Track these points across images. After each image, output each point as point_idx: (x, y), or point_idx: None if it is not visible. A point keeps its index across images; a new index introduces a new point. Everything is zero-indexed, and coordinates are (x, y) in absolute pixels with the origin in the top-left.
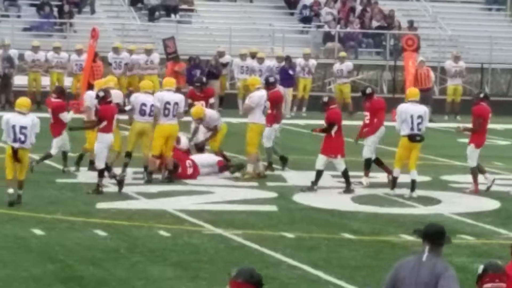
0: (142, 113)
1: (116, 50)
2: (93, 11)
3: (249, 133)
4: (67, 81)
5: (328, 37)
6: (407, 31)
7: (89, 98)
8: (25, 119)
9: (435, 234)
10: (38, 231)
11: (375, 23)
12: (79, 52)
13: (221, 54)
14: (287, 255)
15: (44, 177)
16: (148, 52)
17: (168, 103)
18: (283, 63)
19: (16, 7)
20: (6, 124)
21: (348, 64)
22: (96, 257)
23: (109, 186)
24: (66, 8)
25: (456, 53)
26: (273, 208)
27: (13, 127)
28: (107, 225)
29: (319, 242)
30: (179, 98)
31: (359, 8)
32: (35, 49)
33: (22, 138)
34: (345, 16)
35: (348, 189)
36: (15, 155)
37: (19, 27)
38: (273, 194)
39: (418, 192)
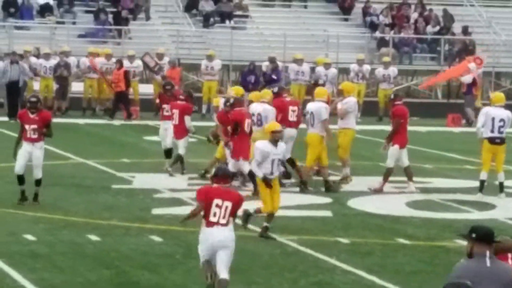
0: None
1: (210, 58)
2: (148, 18)
3: (342, 138)
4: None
5: (382, 42)
6: (461, 36)
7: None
8: None
9: (490, 235)
10: (93, 237)
11: (429, 29)
12: (131, 58)
13: (272, 59)
14: (342, 261)
15: (99, 183)
16: (210, 58)
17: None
18: (330, 69)
19: (72, 13)
20: None
21: (394, 70)
22: (151, 263)
23: (164, 191)
24: (123, 14)
25: None
26: (327, 213)
27: None
28: (162, 231)
29: (373, 247)
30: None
31: (414, 14)
32: (92, 56)
33: None
34: (400, 21)
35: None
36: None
37: (75, 34)
38: (327, 200)
39: (473, 197)
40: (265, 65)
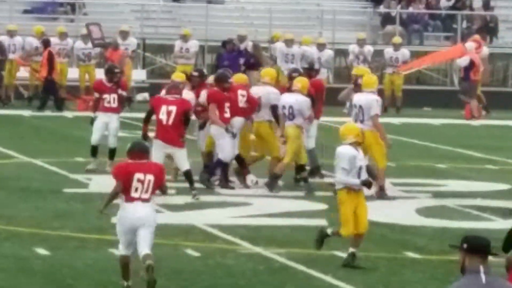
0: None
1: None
2: None
3: None
4: (72, 73)
5: (387, 19)
6: (481, 11)
7: None
8: None
9: (485, 246)
10: (42, 251)
11: (444, 3)
12: (85, 38)
13: (241, 39)
14: (340, 278)
15: (48, 186)
16: (184, 38)
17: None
18: (325, 50)
19: None
20: None
21: (405, 52)
22: (111, 281)
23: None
24: None
25: None
26: (322, 222)
27: None
28: None
29: (377, 262)
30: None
31: None
32: (39, 35)
33: None
34: None
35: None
36: None
37: (19, 9)
38: (322, 206)
39: (495, 203)
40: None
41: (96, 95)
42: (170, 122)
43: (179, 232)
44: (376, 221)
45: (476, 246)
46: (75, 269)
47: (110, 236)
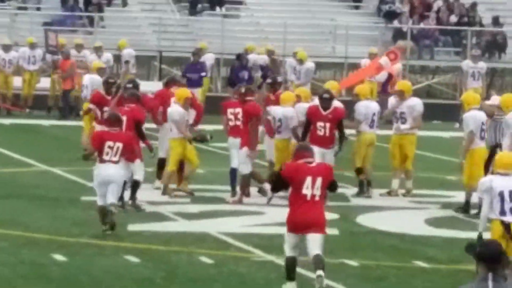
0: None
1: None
2: (125, 3)
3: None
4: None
5: (399, 34)
6: (491, 27)
7: None
8: None
9: (493, 255)
10: (59, 257)
11: (453, 18)
12: (98, 50)
13: (247, 52)
14: (350, 286)
15: (66, 194)
16: (199, 52)
17: None
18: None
19: None
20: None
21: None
22: None
23: (142, 205)
24: None
25: None
26: (333, 231)
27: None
28: (140, 251)
29: (387, 271)
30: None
31: (436, 3)
32: (62, 47)
33: None
34: (420, 10)
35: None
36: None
37: (39, 21)
38: (333, 216)
39: None
40: (261, 59)
41: (91, 106)
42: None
43: (194, 240)
44: (387, 231)
45: (485, 254)
46: (92, 276)
47: (127, 243)
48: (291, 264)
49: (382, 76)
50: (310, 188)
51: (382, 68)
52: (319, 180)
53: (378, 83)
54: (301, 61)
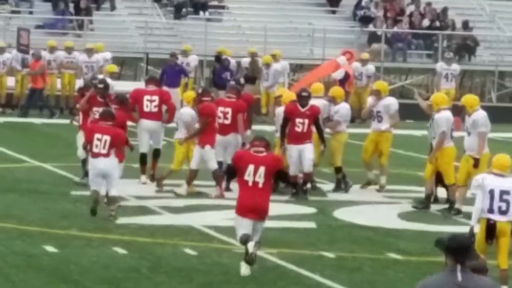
0: None
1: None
2: (113, 8)
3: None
4: (79, 84)
5: (374, 37)
6: (461, 31)
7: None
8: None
9: (463, 248)
10: (50, 248)
11: (425, 22)
12: (89, 52)
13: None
14: (327, 277)
15: (56, 189)
16: (185, 53)
17: None
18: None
19: (28, 2)
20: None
21: (369, 68)
22: (115, 278)
23: (129, 199)
24: (83, 4)
25: None
26: (311, 224)
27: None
28: (127, 242)
29: (362, 262)
30: None
31: (409, 7)
32: (52, 49)
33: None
34: (393, 14)
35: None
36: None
37: (31, 24)
38: (311, 210)
39: (471, 209)
40: (244, 61)
41: (75, 121)
42: None
43: (179, 232)
44: (362, 224)
45: (454, 247)
46: (81, 266)
47: (114, 236)
48: (245, 239)
49: (339, 74)
50: (252, 175)
51: (339, 67)
52: (261, 169)
53: (335, 81)
54: (267, 65)
